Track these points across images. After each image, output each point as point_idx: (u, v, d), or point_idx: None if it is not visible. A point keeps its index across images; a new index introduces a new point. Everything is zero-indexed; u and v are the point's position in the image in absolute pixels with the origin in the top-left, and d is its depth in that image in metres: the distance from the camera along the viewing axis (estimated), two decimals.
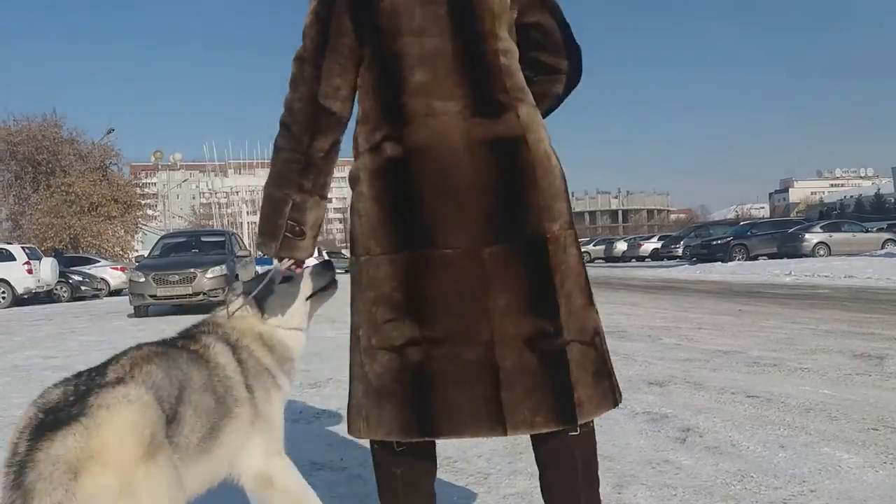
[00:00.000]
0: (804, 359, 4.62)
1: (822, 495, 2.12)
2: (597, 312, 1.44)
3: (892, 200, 68.16)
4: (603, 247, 42.95)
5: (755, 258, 23.81)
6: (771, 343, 5.38)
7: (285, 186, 1.40)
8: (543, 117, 1.46)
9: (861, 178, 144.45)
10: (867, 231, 25.68)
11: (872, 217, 59.14)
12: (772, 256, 23.47)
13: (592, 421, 1.39)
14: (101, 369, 1.30)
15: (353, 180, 1.41)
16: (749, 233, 26.55)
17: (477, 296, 1.32)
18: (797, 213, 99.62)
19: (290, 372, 1.66)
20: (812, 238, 23.56)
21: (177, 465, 1.27)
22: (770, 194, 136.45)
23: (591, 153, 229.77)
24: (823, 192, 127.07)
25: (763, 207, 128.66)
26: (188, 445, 1.35)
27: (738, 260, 23.34)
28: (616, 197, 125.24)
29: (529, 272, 1.34)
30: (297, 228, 1.41)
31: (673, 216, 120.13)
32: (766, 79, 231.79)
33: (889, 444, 2.62)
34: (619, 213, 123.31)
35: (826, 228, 24.80)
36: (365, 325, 1.39)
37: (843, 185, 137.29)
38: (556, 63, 1.50)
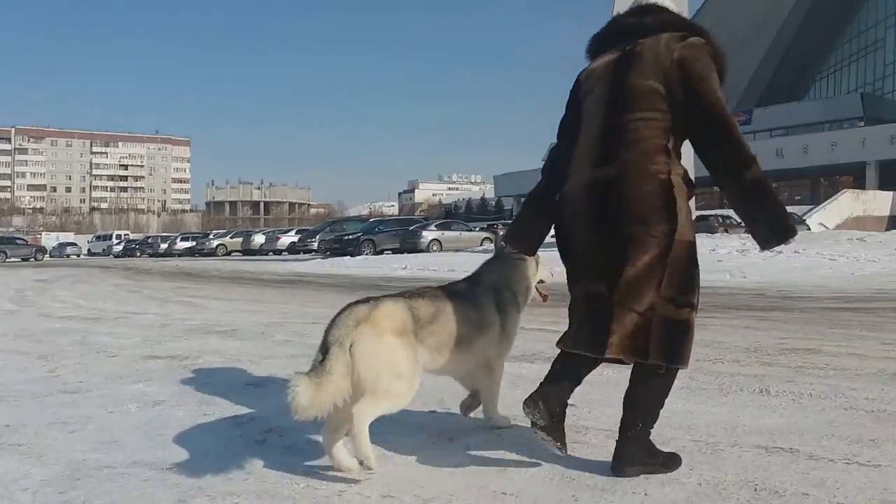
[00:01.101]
0: None
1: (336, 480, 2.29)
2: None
3: (493, 204, 79.62)
4: (240, 239, 42.09)
5: (381, 253, 25.70)
6: None
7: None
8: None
9: (472, 183, 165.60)
10: (471, 230, 29.65)
11: (478, 217, 68.76)
12: (395, 251, 25.59)
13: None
14: (392, 295, 2.46)
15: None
16: (377, 229, 28.54)
17: None
18: (421, 211, 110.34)
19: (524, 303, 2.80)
20: (428, 235, 26.33)
21: (416, 348, 2.35)
22: (399, 194, 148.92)
23: (236, 142, 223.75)
24: (443, 194, 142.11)
25: (394, 205, 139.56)
26: (438, 343, 2.43)
27: (366, 254, 24.90)
28: (259, 188, 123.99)
29: None
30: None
31: (313, 210, 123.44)
32: (404, 94, 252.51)
33: (439, 426, 2.96)
34: (262, 204, 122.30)
35: (439, 227, 27.93)
36: None
37: (458, 189, 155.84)
38: None
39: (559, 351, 2.32)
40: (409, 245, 25.76)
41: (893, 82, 50.27)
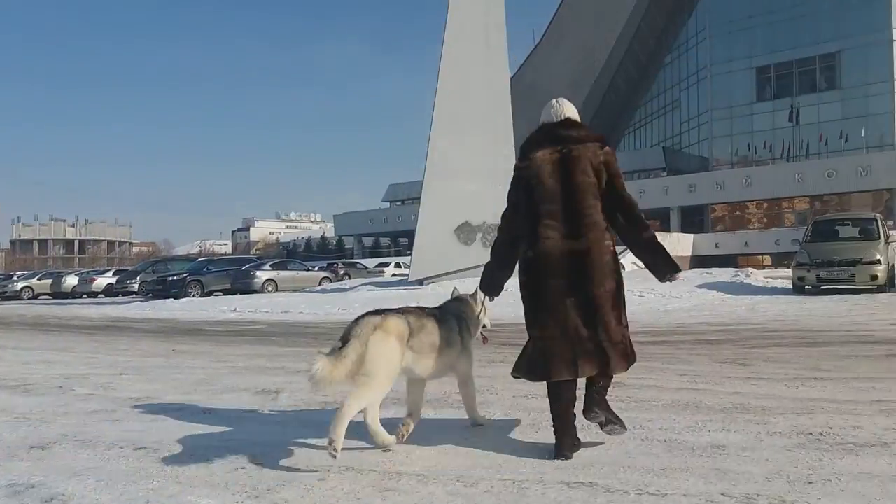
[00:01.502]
0: (214, 399, 4.78)
1: None
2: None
3: (335, 243, 78.88)
4: (50, 281, 38.10)
5: (210, 294, 24.47)
6: (187, 385, 5.42)
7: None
8: None
9: (312, 221, 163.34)
10: (309, 270, 29.11)
11: (319, 257, 67.74)
12: (226, 292, 24.48)
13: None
14: (393, 310, 3.26)
15: None
16: (205, 269, 27.20)
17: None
18: (256, 250, 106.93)
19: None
20: (262, 275, 25.47)
21: (406, 350, 3.15)
22: (233, 232, 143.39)
23: (45, 175, 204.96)
24: (280, 233, 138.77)
25: (226, 244, 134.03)
26: (421, 348, 3.22)
27: (193, 296, 23.59)
28: (73, 225, 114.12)
29: None
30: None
31: (136, 249, 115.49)
32: (234, 128, 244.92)
33: (250, 482, 2.81)
34: (76, 242, 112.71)
35: (274, 267, 27.15)
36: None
37: (297, 227, 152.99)
38: None
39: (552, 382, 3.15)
40: (242, 285, 24.76)
41: (689, 137, 56.48)
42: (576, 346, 3.05)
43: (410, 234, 18.44)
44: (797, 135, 46.97)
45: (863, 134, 44.58)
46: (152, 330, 12.09)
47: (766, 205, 47.90)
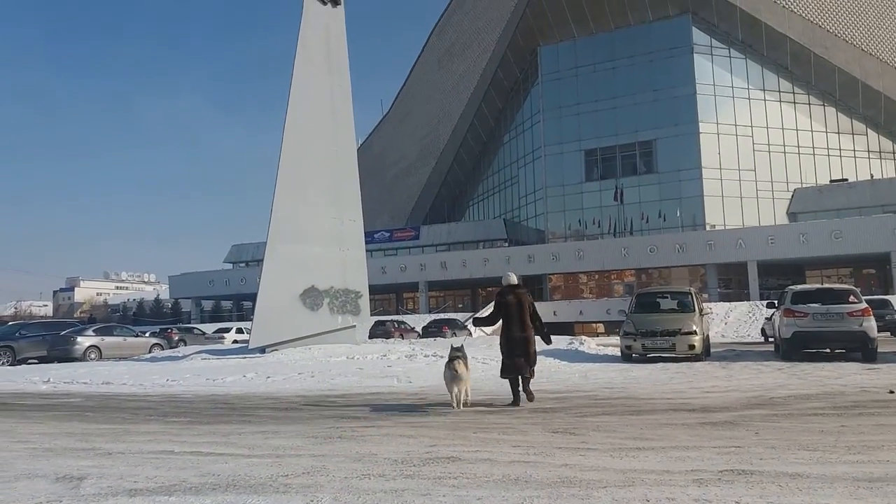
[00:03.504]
0: (3, 488, 4.18)
1: None
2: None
3: (170, 306, 74.27)
4: None
5: (24, 361, 21.97)
6: None
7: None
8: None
9: (145, 282, 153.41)
10: (137, 335, 26.99)
11: (151, 321, 63.28)
12: (43, 360, 22.07)
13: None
14: (459, 348, 8.00)
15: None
16: (18, 333, 24.44)
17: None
18: (81, 312, 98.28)
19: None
20: (84, 341, 23.24)
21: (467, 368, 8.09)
22: (55, 292, 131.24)
23: None
24: (109, 294, 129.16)
25: (47, 305, 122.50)
26: (466, 372, 8.02)
27: (3, 364, 21.08)
28: None
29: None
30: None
31: None
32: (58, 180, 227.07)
33: None
34: None
35: (98, 332, 24.86)
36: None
37: (128, 288, 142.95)
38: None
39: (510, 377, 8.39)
40: (60, 352, 22.38)
41: (527, 211, 59.89)
42: (518, 366, 8.30)
43: (255, 298, 17.69)
44: (622, 213, 51.19)
45: (678, 214, 49.46)
46: None
47: (596, 276, 51.36)
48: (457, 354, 7.80)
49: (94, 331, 24.94)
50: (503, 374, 8.35)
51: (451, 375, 7.74)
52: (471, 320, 36.33)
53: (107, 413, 8.77)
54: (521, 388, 8.25)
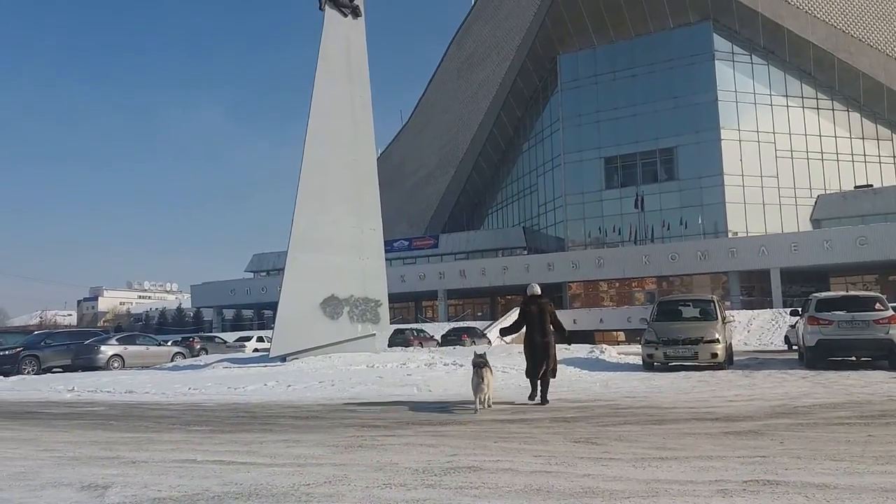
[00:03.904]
0: (30, 496, 4.24)
1: None
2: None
3: (192, 315, 74.87)
4: None
5: (49, 371, 22.28)
6: (1, 480, 4.79)
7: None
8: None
9: (167, 292, 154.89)
10: (160, 344, 27.25)
11: (173, 330, 63.86)
12: (67, 369, 22.35)
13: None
14: (482, 355, 8.92)
15: None
16: (43, 343, 24.78)
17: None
18: (105, 321, 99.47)
19: None
20: (108, 350, 23.50)
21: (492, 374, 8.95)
22: (79, 302, 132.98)
23: None
24: (132, 303, 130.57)
25: (71, 314, 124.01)
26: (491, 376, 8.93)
27: (27, 373, 21.38)
28: None
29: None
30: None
31: None
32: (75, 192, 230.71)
33: None
34: None
35: (121, 341, 25.13)
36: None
37: (150, 297, 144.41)
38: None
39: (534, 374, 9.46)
40: (84, 361, 22.66)
41: (546, 219, 59.65)
42: (539, 366, 9.37)
43: (276, 307, 17.79)
44: (643, 220, 50.83)
45: (699, 221, 49.00)
46: None
47: (617, 284, 51.00)
48: (482, 361, 8.71)
49: (117, 340, 25.23)
50: (528, 374, 9.73)
51: (478, 382, 8.59)
52: (497, 330, 36.47)
53: (130, 422, 8.87)
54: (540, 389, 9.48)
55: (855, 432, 6.13)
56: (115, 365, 22.89)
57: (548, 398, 9.31)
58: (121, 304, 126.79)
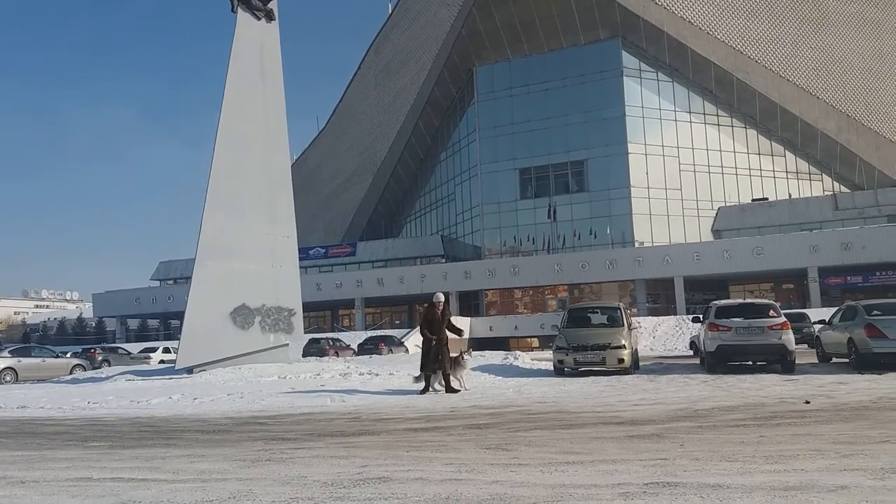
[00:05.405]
0: None
1: None
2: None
3: (94, 325, 71.29)
4: None
5: None
6: None
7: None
8: None
9: (67, 300, 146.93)
10: (58, 356, 25.80)
11: (73, 340, 60.50)
12: None
13: None
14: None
15: None
16: None
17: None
18: None
19: None
20: (1, 363, 22.13)
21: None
22: None
23: None
24: (28, 313, 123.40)
25: None
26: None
27: None
28: None
29: None
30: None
31: None
32: None
33: None
34: None
35: (15, 353, 23.70)
36: None
37: (48, 307, 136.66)
38: None
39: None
40: None
41: (463, 228, 60.35)
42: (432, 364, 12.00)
43: (183, 316, 17.15)
44: (555, 230, 52.15)
45: (608, 231, 50.72)
46: None
47: (531, 291, 52.06)
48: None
49: (9, 352, 23.72)
50: (422, 369, 11.88)
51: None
52: (414, 338, 36.36)
53: (21, 439, 8.33)
54: (441, 382, 11.97)
55: (749, 433, 6.47)
56: (7, 378, 21.55)
57: (454, 387, 11.91)
58: (15, 313, 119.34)
